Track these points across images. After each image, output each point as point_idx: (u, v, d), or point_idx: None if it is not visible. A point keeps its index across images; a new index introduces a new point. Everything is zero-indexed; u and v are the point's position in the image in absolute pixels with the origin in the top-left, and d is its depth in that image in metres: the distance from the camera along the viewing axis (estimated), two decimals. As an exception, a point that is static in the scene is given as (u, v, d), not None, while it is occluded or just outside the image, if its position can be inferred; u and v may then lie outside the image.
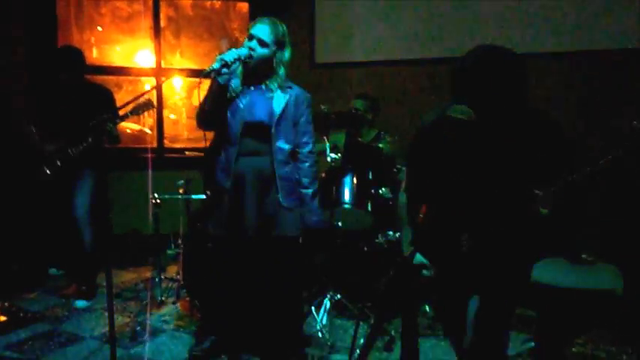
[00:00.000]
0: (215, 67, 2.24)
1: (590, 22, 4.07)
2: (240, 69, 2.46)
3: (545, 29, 4.16)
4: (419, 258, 1.95)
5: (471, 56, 1.81)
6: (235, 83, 2.48)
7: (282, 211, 2.51)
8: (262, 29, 2.40)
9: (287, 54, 2.49)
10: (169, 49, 5.70)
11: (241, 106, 2.47)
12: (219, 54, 2.30)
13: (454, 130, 1.83)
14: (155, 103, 3.59)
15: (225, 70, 2.27)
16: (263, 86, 2.51)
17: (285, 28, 2.49)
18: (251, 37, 2.41)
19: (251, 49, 2.38)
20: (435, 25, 4.53)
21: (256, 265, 2.56)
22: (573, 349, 2.93)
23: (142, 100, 3.17)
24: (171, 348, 2.94)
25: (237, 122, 2.47)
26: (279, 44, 2.44)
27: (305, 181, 2.59)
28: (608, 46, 3.98)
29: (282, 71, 2.48)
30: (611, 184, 4.12)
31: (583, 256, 3.01)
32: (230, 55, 2.28)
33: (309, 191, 2.59)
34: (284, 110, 2.49)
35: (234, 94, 2.47)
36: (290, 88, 2.54)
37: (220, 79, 2.32)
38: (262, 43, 2.39)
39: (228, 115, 2.48)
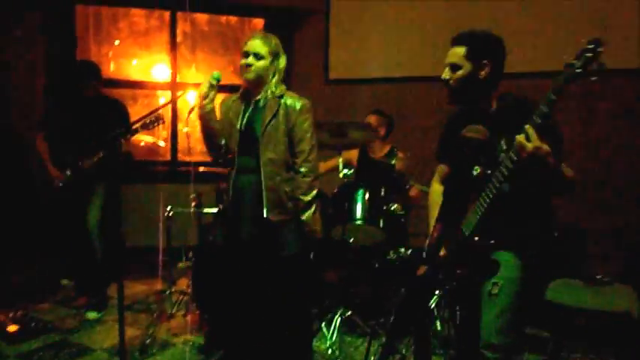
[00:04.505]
0: (195, 102, 2.40)
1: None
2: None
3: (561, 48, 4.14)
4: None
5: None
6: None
7: (276, 228, 2.49)
8: (256, 43, 2.45)
9: (282, 62, 2.53)
10: (185, 64, 5.77)
11: (238, 126, 2.53)
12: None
13: (470, 148, 1.84)
14: (166, 118, 3.64)
15: (205, 100, 2.40)
16: (259, 99, 2.52)
17: (277, 39, 2.53)
18: (247, 54, 2.45)
19: (247, 64, 2.43)
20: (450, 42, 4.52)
21: (258, 281, 2.53)
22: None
23: (152, 115, 3.20)
24: (180, 361, 2.93)
25: (234, 142, 2.53)
26: (274, 54, 2.48)
27: (297, 191, 2.52)
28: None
29: (275, 79, 2.50)
30: (628, 203, 4.09)
31: (598, 276, 2.97)
32: (203, 86, 2.40)
33: (302, 203, 2.53)
34: (272, 119, 2.47)
35: (229, 116, 2.56)
36: (281, 96, 2.51)
37: (201, 110, 2.44)
38: (258, 57, 2.44)
39: (228, 136, 2.55)
